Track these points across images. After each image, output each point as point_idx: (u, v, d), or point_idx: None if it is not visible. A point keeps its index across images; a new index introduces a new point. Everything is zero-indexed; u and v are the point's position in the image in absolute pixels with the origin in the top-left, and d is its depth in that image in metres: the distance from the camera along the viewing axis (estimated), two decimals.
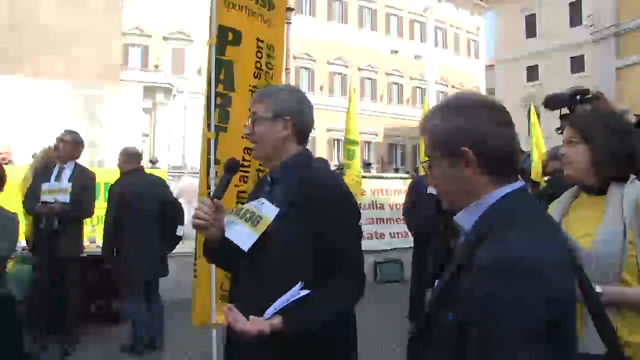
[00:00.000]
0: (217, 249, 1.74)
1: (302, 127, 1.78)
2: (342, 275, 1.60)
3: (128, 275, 4.61)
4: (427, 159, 1.22)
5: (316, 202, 1.61)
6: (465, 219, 1.16)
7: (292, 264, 1.58)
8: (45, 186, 4.43)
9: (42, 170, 4.67)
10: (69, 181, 4.49)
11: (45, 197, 4.36)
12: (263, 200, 1.71)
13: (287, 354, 1.53)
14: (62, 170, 4.56)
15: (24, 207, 4.40)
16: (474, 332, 0.98)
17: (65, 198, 4.38)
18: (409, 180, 8.49)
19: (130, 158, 4.77)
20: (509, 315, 0.94)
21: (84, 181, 4.57)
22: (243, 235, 1.66)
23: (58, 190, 4.41)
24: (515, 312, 0.94)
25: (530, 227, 1.05)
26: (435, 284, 1.17)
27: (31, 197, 4.45)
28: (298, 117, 1.76)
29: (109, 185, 5.51)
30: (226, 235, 1.70)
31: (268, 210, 1.66)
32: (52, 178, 4.51)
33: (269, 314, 1.48)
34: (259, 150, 1.77)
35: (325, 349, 1.60)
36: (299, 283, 1.51)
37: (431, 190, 5.37)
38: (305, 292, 1.50)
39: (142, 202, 4.53)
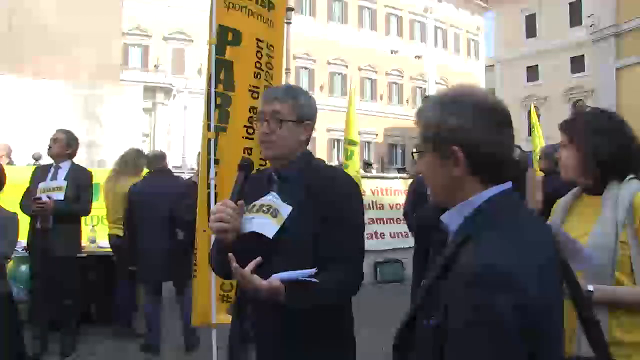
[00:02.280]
0: (229, 251, 1.70)
1: (313, 130, 1.86)
2: (341, 267, 1.64)
3: (139, 274, 4.74)
4: (418, 148, 1.19)
5: (327, 200, 1.67)
6: (451, 220, 1.15)
7: (305, 256, 1.63)
8: (41, 185, 4.43)
9: (39, 171, 4.66)
10: (64, 180, 4.49)
11: (43, 197, 4.36)
12: (276, 195, 1.73)
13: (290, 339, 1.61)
14: (58, 170, 4.55)
15: (20, 207, 4.40)
16: (449, 339, 0.98)
17: (60, 196, 4.38)
18: (409, 180, 8.49)
19: (153, 159, 4.96)
20: (481, 324, 0.94)
21: (80, 180, 4.55)
22: (266, 225, 1.67)
23: (53, 189, 4.41)
24: (487, 321, 0.93)
25: (509, 233, 1.04)
26: (421, 285, 1.16)
27: (28, 197, 4.45)
28: (314, 121, 1.84)
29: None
30: (246, 230, 1.68)
31: (282, 207, 1.69)
32: (49, 178, 4.51)
33: (274, 278, 1.53)
34: (276, 149, 1.75)
35: (327, 337, 1.66)
36: (314, 269, 1.56)
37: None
38: (314, 279, 1.55)
39: (154, 203, 4.56)
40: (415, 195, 5.67)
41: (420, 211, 5.45)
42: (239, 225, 1.67)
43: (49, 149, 4.62)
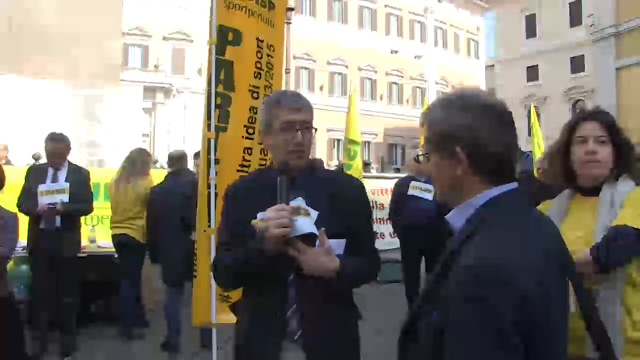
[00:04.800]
0: (274, 255, 1.67)
1: None
2: (366, 255, 1.86)
3: (162, 275, 4.81)
4: (424, 149, 1.23)
5: (349, 203, 1.80)
6: (455, 219, 1.17)
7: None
8: (42, 187, 4.42)
9: (35, 172, 4.64)
10: (65, 181, 4.50)
11: (45, 199, 4.37)
12: (302, 199, 1.74)
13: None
14: (58, 172, 4.55)
15: (20, 209, 4.38)
16: (447, 331, 1.00)
17: (65, 198, 4.42)
18: None
19: (171, 160, 5.05)
20: (476, 317, 0.96)
21: (79, 179, 4.59)
22: (309, 224, 1.70)
23: (57, 191, 4.43)
24: (482, 315, 0.95)
25: (509, 231, 1.06)
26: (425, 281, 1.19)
27: (27, 198, 4.45)
28: None
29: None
30: (297, 233, 1.66)
31: (310, 210, 1.72)
32: (48, 180, 4.50)
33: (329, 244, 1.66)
34: (304, 158, 1.82)
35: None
36: (344, 240, 1.74)
37: (412, 192, 5.37)
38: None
39: (169, 204, 4.59)
40: (398, 196, 5.68)
41: (407, 212, 5.45)
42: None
43: (51, 161, 4.58)
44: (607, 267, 1.64)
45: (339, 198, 1.78)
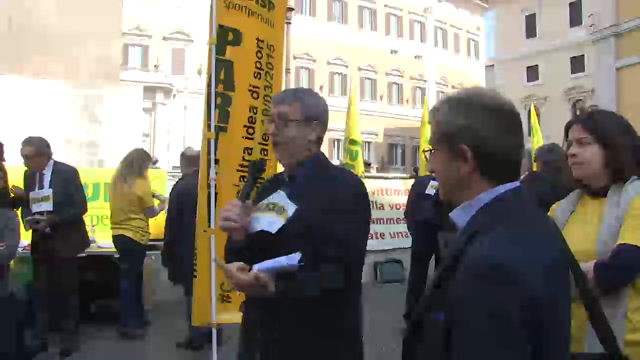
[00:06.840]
0: (238, 250, 1.73)
1: (324, 130, 1.86)
2: (333, 261, 1.63)
3: (179, 275, 4.71)
4: (429, 147, 1.23)
5: (329, 197, 1.67)
6: (459, 217, 1.18)
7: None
8: (32, 195, 4.40)
9: (27, 178, 4.59)
10: (49, 186, 4.42)
11: (34, 207, 4.36)
12: (283, 193, 1.76)
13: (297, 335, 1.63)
14: (42, 177, 4.47)
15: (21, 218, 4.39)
16: (456, 330, 1.00)
17: (49, 206, 4.35)
18: (409, 181, 8.49)
19: (188, 160, 4.95)
20: (484, 317, 0.96)
21: (66, 180, 4.49)
22: (272, 223, 1.70)
23: (42, 199, 4.38)
24: (490, 314, 0.96)
25: (516, 230, 1.06)
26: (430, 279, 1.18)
27: (26, 206, 4.44)
28: (323, 121, 1.86)
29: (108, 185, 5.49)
30: (254, 229, 1.70)
31: (289, 205, 1.72)
32: (36, 186, 4.45)
33: (257, 268, 1.52)
34: (284, 151, 1.79)
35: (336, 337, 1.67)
36: (299, 254, 1.53)
37: (429, 190, 5.37)
38: (297, 265, 1.53)
39: (186, 205, 4.53)
40: (414, 196, 5.70)
41: (418, 213, 5.47)
42: (247, 224, 1.71)
43: (25, 164, 4.49)
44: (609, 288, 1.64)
45: (318, 194, 1.70)
